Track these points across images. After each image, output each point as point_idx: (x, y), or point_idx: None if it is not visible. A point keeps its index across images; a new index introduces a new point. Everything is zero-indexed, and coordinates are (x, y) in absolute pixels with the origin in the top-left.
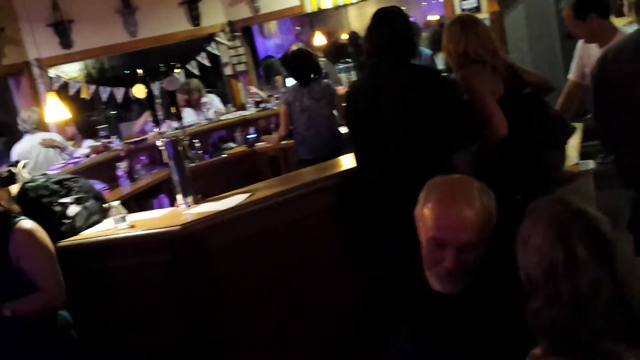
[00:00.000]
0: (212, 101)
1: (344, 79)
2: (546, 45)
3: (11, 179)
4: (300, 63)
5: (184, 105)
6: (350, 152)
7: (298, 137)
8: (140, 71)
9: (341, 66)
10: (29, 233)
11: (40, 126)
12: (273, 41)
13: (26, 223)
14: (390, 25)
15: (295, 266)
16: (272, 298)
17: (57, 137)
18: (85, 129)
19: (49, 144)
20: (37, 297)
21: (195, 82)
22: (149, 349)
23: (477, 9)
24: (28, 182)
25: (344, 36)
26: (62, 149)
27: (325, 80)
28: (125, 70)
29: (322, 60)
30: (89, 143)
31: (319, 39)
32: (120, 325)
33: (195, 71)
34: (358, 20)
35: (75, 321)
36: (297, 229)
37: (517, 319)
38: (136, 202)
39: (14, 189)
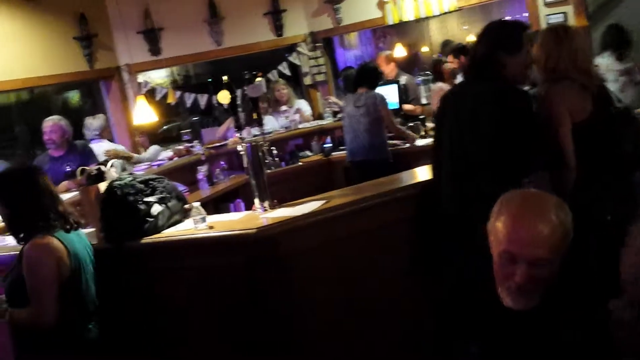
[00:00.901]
0: (300, 105)
1: (424, 92)
2: (636, 61)
3: (100, 177)
4: (356, 74)
5: (264, 112)
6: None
7: (344, 141)
8: (225, 78)
9: (421, 78)
10: (34, 250)
11: (104, 133)
12: (353, 52)
13: (39, 240)
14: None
15: (368, 275)
16: (343, 306)
17: (120, 148)
18: (167, 135)
19: (113, 155)
20: (28, 311)
21: (282, 80)
22: (216, 349)
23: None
24: (116, 181)
25: (425, 49)
26: (127, 158)
27: (375, 93)
28: (208, 77)
29: (404, 75)
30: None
31: (400, 51)
32: (190, 323)
33: (276, 79)
34: (439, 33)
35: (148, 315)
36: (371, 238)
37: (595, 338)
38: (214, 205)
39: (102, 186)
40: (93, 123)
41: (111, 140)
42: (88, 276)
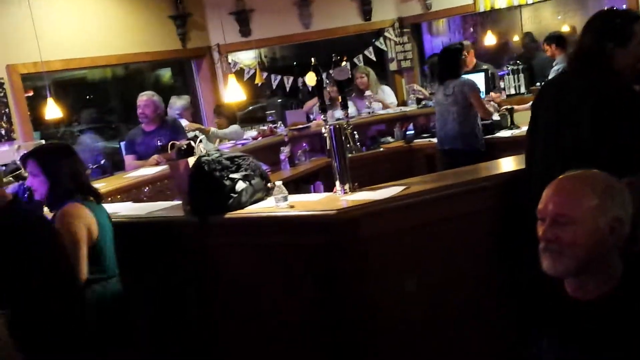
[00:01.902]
0: (385, 92)
1: (511, 82)
2: None
3: (189, 152)
4: (440, 62)
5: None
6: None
7: (435, 129)
8: (312, 60)
9: (510, 68)
10: (70, 213)
11: (185, 114)
12: (440, 39)
13: (74, 205)
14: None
15: (446, 263)
16: (420, 292)
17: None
18: (252, 115)
19: (195, 127)
20: None
21: (364, 67)
22: (289, 326)
23: None
24: (204, 156)
25: (515, 38)
26: (205, 132)
27: (462, 80)
28: (294, 60)
29: (485, 66)
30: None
31: (490, 39)
32: (261, 299)
33: (361, 64)
34: (532, 22)
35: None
36: (450, 228)
37: None
38: (294, 186)
39: (191, 161)
40: (177, 102)
41: (191, 121)
42: (109, 245)
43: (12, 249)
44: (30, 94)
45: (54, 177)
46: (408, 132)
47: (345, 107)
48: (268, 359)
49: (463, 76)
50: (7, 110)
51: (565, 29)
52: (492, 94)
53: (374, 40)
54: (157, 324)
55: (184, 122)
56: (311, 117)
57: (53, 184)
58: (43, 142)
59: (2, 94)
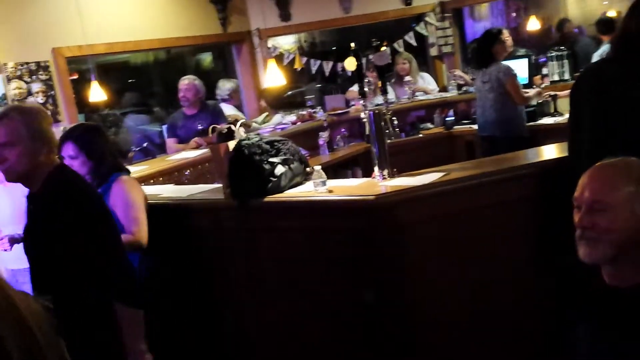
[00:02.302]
0: (425, 79)
1: (555, 68)
2: None
3: (230, 136)
4: (477, 48)
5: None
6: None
7: (476, 114)
8: (352, 45)
9: (554, 53)
10: (128, 184)
11: (233, 96)
12: (482, 24)
13: (128, 177)
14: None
15: (484, 251)
16: (458, 279)
17: (241, 115)
18: (291, 100)
19: (233, 119)
20: (127, 238)
21: (406, 53)
22: (325, 309)
23: None
24: (244, 140)
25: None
26: (246, 125)
27: (499, 66)
28: (333, 45)
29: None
30: (279, 118)
31: (533, 24)
32: (298, 283)
33: (401, 50)
34: (577, 7)
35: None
36: (490, 214)
37: None
38: (332, 171)
39: (231, 145)
40: (225, 85)
41: (239, 105)
42: None
43: (82, 215)
44: (75, 77)
45: (96, 156)
46: (448, 119)
47: (384, 92)
48: (305, 343)
49: (501, 62)
50: (53, 92)
51: (611, 14)
52: (536, 78)
53: (414, 25)
54: (193, 306)
55: (229, 108)
56: (350, 102)
57: (96, 162)
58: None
59: (48, 77)
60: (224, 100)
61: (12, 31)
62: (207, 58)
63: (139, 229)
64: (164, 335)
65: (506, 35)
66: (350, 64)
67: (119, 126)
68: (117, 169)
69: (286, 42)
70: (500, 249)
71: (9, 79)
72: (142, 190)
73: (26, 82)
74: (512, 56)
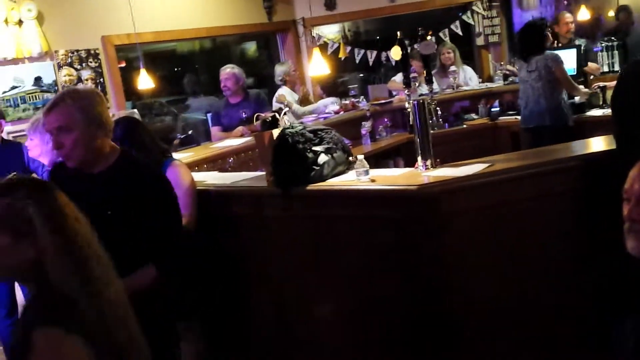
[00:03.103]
0: (467, 72)
1: (605, 59)
2: None
3: (274, 124)
4: (522, 38)
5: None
6: None
7: (519, 106)
8: (399, 34)
9: (604, 44)
10: (181, 168)
11: (287, 79)
12: (531, 14)
13: (177, 163)
14: None
15: (527, 244)
16: (499, 272)
17: (290, 97)
18: (334, 89)
19: (280, 100)
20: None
21: (450, 43)
22: (365, 297)
23: None
24: (287, 129)
25: (610, 13)
26: (287, 106)
27: (546, 55)
28: (377, 35)
29: (580, 41)
30: (331, 100)
31: (583, 14)
32: (339, 270)
33: (447, 39)
34: None
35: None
36: (534, 206)
37: None
38: (374, 161)
39: (275, 133)
40: (278, 68)
41: (293, 88)
42: None
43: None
44: (123, 65)
45: (144, 146)
46: (493, 109)
47: (429, 82)
48: (344, 331)
49: (548, 51)
50: (101, 80)
51: None
52: (590, 64)
53: (460, 14)
54: (232, 291)
55: (283, 90)
56: (394, 92)
57: (147, 152)
58: (135, 111)
59: (97, 65)
60: (278, 84)
61: (64, 19)
62: (251, 47)
63: (190, 213)
64: (206, 320)
65: (567, 19)
66: (395, 53)
67: (165, 114)
68: (166, 156)
69: (330, 32)
70: (543, 242)
71: (60, 66)
72: (192, 175)
73: (76, 69)
74: (568, 45)
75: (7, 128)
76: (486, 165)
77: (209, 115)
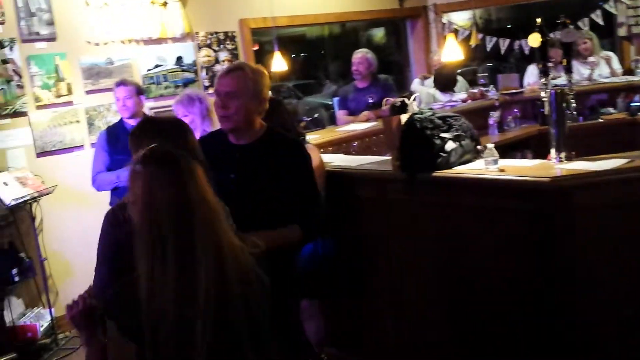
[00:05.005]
0: (610, 58)
1: None
2: None
3: (403, 109)
4: None
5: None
6: None
7: None
8: (538, 20)
9: None
10: (313, 151)
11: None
12: None
13: (310, 146)
14: None
15: None
16: (631, 271)
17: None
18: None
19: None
20: None
21: (587, 31)
22: (488, 286)
23: None
24: (416, 114)
25: None
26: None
27: None
28: (509, 23)
29: None
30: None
31: None
32: (461, 259)
33: (586, 29)
34: None
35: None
36: None
37: None
38: (500, 152)
39: (404, 118)
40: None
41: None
42: None
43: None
44: (256, 48)
45: (284, 126)
46: (633, 104)
47: (569, 71)
48: (464, 322)
49: None
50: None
51: None
52: None
53: (601, 2)
54: (355, 271)
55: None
56: (524, 82)
57: (286, 132)
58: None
59: (234, 47)
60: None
61: (205, 2)
62: (378, 33)
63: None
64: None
65: None
66: (534, 39)
67: (291, 97)
68: (300, 138)
69: (460, 19)
70: None
71: (199, 47)
72: (322, 158)
73: (214, 51)
74: None
75: (149, 104)
76: (626, 160)
77: (335, 99)
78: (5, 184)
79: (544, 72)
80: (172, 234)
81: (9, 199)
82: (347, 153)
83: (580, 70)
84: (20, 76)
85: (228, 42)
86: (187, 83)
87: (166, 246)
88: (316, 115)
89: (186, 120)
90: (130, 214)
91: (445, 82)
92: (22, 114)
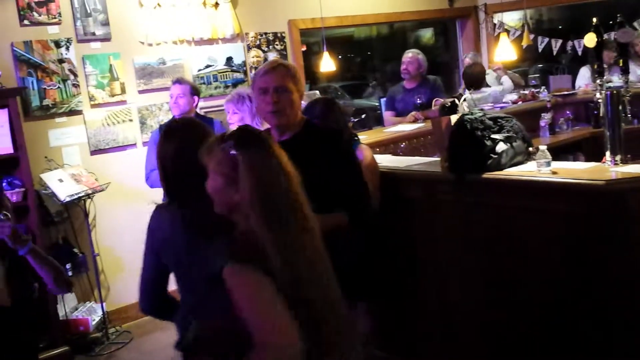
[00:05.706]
0: None
1: None
2: None
3: (453, 109)
4: None
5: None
6: None
7: None
8: (594, 20)
9: None
10: (366, 151)
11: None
12: None
13: (363, 146)
14: None
15: None
16: None
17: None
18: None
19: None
20: None
21: None
22: (534, 292)
23: None
24: (466, 115)
25: None
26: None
27: None
28: (560, 24)
29: None
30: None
31: None
32: (507, 261)
33: None
34: None
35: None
36: None
37: None
38: (552, 155)
39: (454, 118)
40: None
41: None
42: None
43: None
44: (304, 49)
45: (338, 126)
46: None
47: (626, 72)
48: (507, 324)
49: None
50: None
51: None
52: None
53: None
54: (402, 273)
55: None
56: (576, 85)
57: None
58: (317, 92)
59: (282, 47)
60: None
61: (255, 3)
62: (426, 34)
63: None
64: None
65: None
66: (590, 39)
67: (338, 97)
68: (353, 138)
69: (511, 19)
70: None
71: (249, 48)
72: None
73: (263, 51)
74: None
75: (200, 104)
76: None
77: (382, 100)
78: (61, 180)
79: (599, 73)
80: (285, 206)
81: (64, 195)
82: (394, 154)
83: (637, 72)
84: (75, 75)
85: (277, 42)
86: (236, 83)
87: (288, 216)
88: (363, 115)
89: (236, 117)
90: (215, 198)
91: (472, 80)
92: (78, 112)
